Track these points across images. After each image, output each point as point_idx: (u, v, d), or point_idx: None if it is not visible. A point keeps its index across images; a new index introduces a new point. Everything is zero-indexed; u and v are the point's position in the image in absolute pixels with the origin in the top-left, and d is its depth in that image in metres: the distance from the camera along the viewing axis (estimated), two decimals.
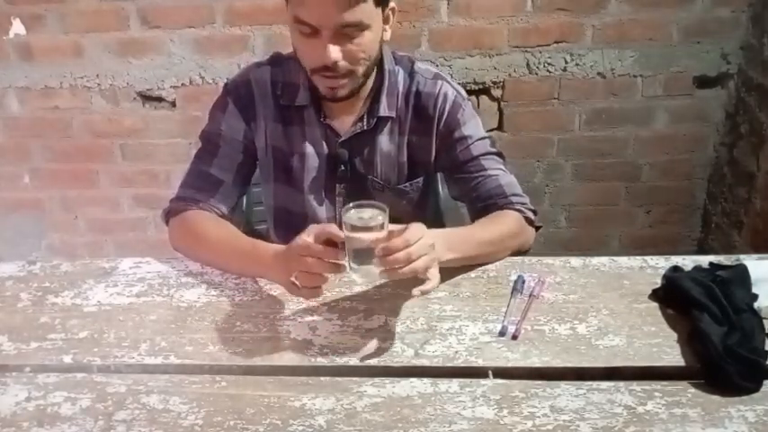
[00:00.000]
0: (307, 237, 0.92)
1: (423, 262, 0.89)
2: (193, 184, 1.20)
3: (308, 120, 1.20)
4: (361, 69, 1.09)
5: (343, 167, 1.22)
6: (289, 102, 1.19)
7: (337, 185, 1.24)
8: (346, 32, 1.03)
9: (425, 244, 0.90)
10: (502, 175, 1.20)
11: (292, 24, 1.05)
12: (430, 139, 1.22)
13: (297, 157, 1.22)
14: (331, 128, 1.20)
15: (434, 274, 0.92)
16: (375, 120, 1.19)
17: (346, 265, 0.93)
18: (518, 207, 1.16)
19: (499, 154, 1.22)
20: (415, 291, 0.91)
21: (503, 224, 1.13)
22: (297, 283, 0.95)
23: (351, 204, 0.92)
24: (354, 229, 0.90)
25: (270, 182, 1.27)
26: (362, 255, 0.91)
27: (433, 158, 1.24)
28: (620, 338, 0.96)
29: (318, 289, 0.96)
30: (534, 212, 1.18)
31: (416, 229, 0.90)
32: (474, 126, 1.21)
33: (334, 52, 1.03)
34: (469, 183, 1.20)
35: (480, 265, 1.12)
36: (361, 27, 1.03)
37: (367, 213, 0.91)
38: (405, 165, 1.24)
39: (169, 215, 1.20)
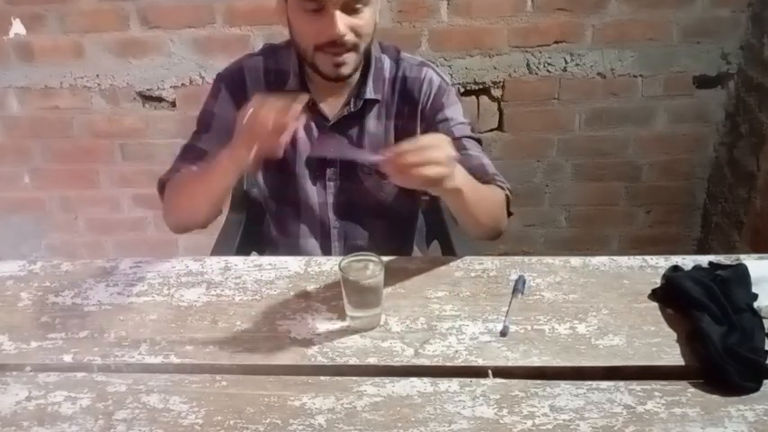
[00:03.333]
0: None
1: (433, 171, 0.90)
2: (180, 158, 1.23)
3: None
4: (362, 45, 1.11)
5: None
6: (278, 88, 1.21)
7: (327, 169, 1.26)
8: (351, 6, 1.06)
9: (441, 153, 0.91)
10: (483, 156, 1.21)
11: (296, 5, 1.06)
12: (415, 122, 1.24)
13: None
14: (320, 112, 1.22)
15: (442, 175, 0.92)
16: (362, 102, 1.21)
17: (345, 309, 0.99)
18: (500, 185, 1.17)
19: (479, 141, 1.24)
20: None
21: (494, 192, 1.14)
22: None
23: (347, 258, 0.97)
24: (355, 285, 0.95)
25: (261, 167, 1.28)
26: (362, 305, 0.97)
27: None
28: (619, 338, 0.96)
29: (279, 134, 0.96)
30: (511, 195, 1.19)
31: (433, 138, 0.93)
32: (456, 110, 1.23)
33: (342, 24, 1.05)
34: None
35: (474, 260, 1.11)
36: (365, 2, 1.06)
37: (367, 270, 0.96)
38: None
39: (160, 190, 1.21)
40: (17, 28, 2.02)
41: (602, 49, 1.99)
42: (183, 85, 2.08)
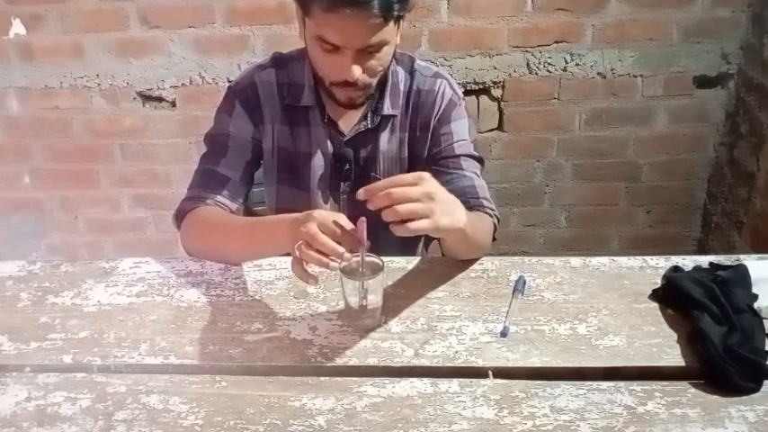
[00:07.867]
0: (316, 221, 0.89)
1: (405, 209, 0.84)
2: (200, 184, 1.20)
3: (313, 120, 1.22)
4: (376, 80, 1.12)
5: (348, 166, 1.24)
6: (294, 102, 1.21)
7: (342, 184, 1.26)
8: (368, 51, 1.05)
9: (419, 191, 0.85)
10: (476, 178, 1.20)
11: (313, 40, 1.06)
12: (427, 134, 1.24)
13: (302, 157, 1.24)
14: (335, 127, 1.22)
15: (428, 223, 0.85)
16: (379, 118, 1.21)
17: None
18: (488, 211, 1.16)
19: (479, 159, 1.24)
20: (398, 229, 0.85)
21: (481, 220, 1.13)
22: (297, 254, 0.89)
23: (349, 259, 0.94)
24: (355, 285, 0.94)
25: (273, 184, 1.28)
26: (362, 305, 0.96)
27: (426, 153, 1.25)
28: (620, 338, 0.96)
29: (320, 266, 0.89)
30: (498, 222, 1.18)
31: (407, 175, 0.86)
32: (462, 126, 1.23)
33: (357, 70, 1.05)
34: (444, 177, 1.18)
35: (474, 260, 1.12)
36: (381, 45, 1.06)
37: (367, 271, 0.95)
38: (405, 161, 1.26)
39: (179, 218, 1.18)
40: (17, 28, 2.02)
41: (602, 49, 1.99)
42: (183, 85, 2.08)
